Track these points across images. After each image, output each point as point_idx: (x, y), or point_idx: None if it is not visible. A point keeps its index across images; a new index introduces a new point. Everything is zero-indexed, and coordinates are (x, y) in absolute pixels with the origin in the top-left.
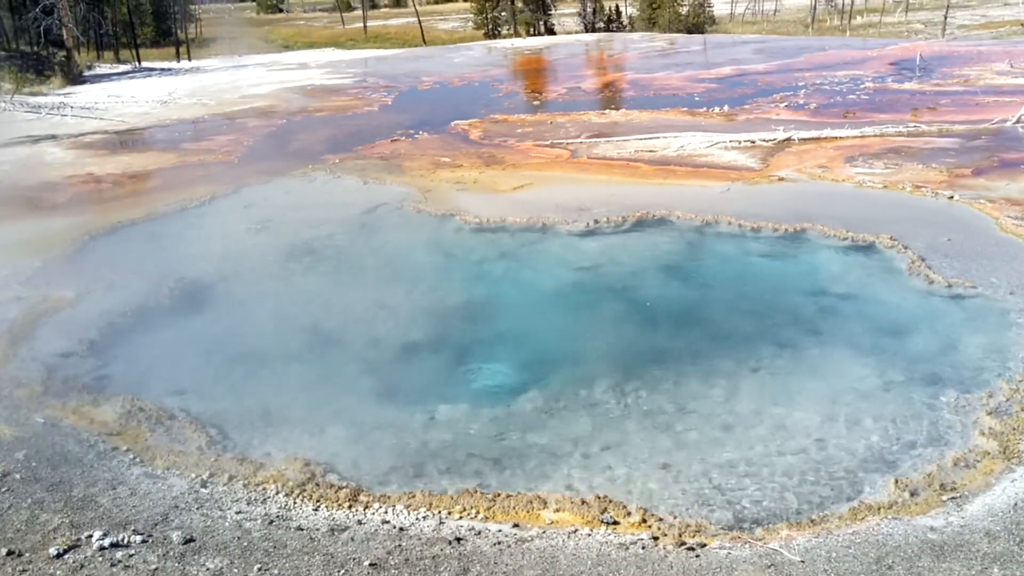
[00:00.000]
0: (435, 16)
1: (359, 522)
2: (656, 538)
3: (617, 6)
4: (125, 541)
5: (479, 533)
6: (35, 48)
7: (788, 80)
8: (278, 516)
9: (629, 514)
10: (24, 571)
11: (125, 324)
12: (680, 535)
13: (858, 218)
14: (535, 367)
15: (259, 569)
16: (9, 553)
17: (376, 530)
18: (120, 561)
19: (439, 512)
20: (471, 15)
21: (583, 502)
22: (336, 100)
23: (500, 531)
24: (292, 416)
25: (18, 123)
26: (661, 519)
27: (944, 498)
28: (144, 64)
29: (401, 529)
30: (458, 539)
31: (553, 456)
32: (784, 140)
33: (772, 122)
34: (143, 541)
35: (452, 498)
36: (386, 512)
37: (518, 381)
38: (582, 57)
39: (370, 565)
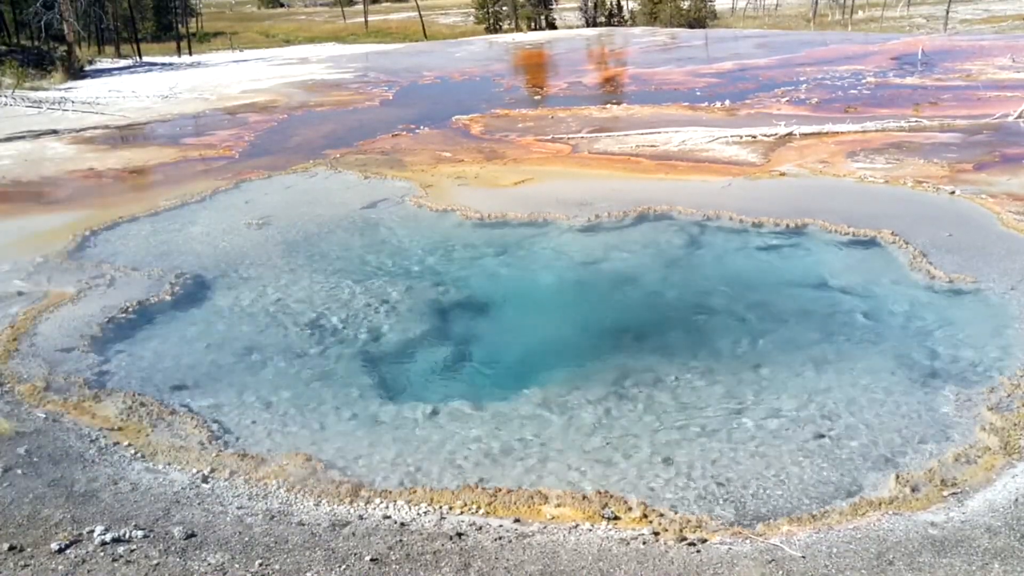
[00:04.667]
0: (436, 11)
1: (360, 517)
2: (657, 533)
3: (618, 1)
4: (126, 536)
5: (480, 528)
6: (36, 43)
7: (789, 75)
8: (279, 511)
9: (630, 509)
10: (26, 566)
11: (126, 320)
12: (681, 530)
13: (859, 213)
14: (536, 361)
15: (260, 564)
16: (11, 548)
17: (377, 525)
18: (121, 556)
19: (440, 507)
20: (472, 10)
21: (584, 497)
22: (337, 95)
23: (501, 526)
24: (293, 411)
25: (19, 117)
26: (662, 514)
27: (945, 494)
28: (145, 59)
29: (402, 524)
30: (459, 534)
31: (554, 450)
32: (785, 135)
33: (773, 117)
34: (144, 536)
35: (453, 493)
36: (387, 507)
37: (519, 375)
38: (583, 52)
39: (371, 560)
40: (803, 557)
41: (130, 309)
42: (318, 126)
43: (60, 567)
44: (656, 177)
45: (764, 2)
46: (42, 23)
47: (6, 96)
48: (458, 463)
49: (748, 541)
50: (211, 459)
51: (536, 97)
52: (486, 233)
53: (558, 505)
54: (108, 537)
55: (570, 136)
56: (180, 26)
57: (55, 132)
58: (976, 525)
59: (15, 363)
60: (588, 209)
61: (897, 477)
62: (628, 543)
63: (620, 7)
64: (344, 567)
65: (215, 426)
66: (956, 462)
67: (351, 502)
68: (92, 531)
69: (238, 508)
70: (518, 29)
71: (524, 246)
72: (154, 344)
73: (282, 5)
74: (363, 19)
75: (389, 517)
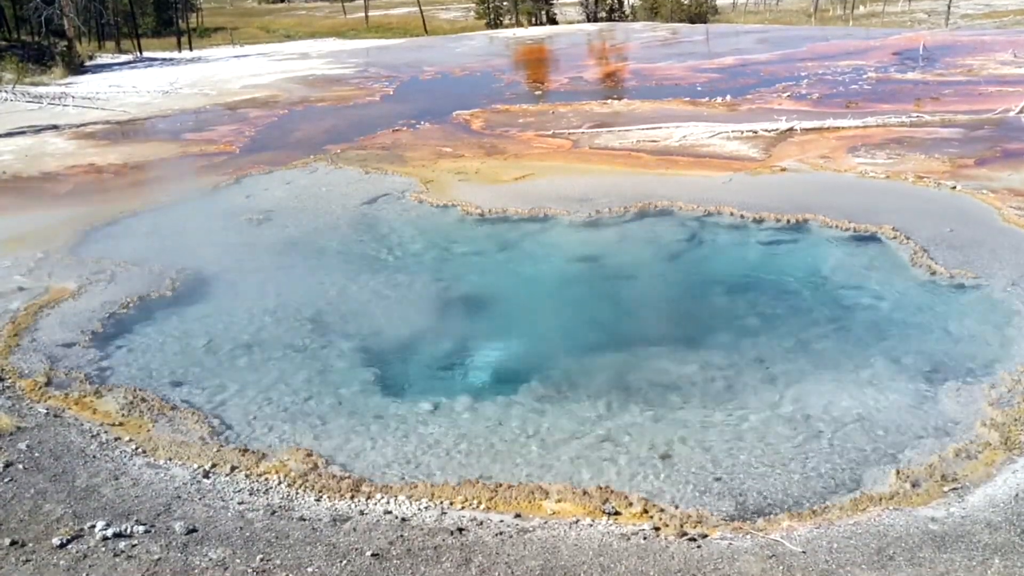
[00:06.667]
0: (436, 6)
1: (361, 512)
2: (658, 528)
3: None
4: (128, 531)
5: (481, 523)
6: (36, 38)
7: (791, 70)
8: (280, 506)
9: (631, 504)
10: (27, 561)
11: (127, 315)
12: (682, 526)
13: (860, 208)
14: (537, 355)
15: (261, 559)
16: (13, 543)
17: (378, 520)
18: (123, 551)
19: (441, 502)
20: (473, 5)
21: (584, 492)
22: (338, 90)
23: (502, 521)
24: (294, 406)
25: (20, 113)
26: (663, 509)
27: (945, 489)
28: (145, 54)
29: (403, 519)
30: (460, 529)
31: (553, 445)
32: (786, 130)
33: (774, 112)
34: (146, 531)
35: (454, 488)
36: (388, 502)
37: (519, 369)
38: (584, 47)
39: (372, 555)
40: (803, 552)
41: (131, 304)
42: (318, 121)
43: (62, 562)
44: (657, 172)
45: None
46: (42, 18)
47: (7, 91)
48: (459, 458)
49: (749, 536)
50: (212, 454)
51: (537, 92)
52: (487, 228)
53: (559, 500)
54: (109, 532)
55: (571, 131)
56: (180, 21)
57: (56, 127)
58: (976, 520)
59: (16, 358)
60: (589, 204)
61: (897, 472)
62: (629, 538)
63: (621, 2)
64: (345, 562)
65: (216, 421)
66: (956, 457)
67: (352, 497)
68: (94, 526)
69: (239, 503)
70: (519, 24)
71: (525, 241)
72: (155, 339)
73: (283, 0)
74: (364, 14)
75: (390, 512)
